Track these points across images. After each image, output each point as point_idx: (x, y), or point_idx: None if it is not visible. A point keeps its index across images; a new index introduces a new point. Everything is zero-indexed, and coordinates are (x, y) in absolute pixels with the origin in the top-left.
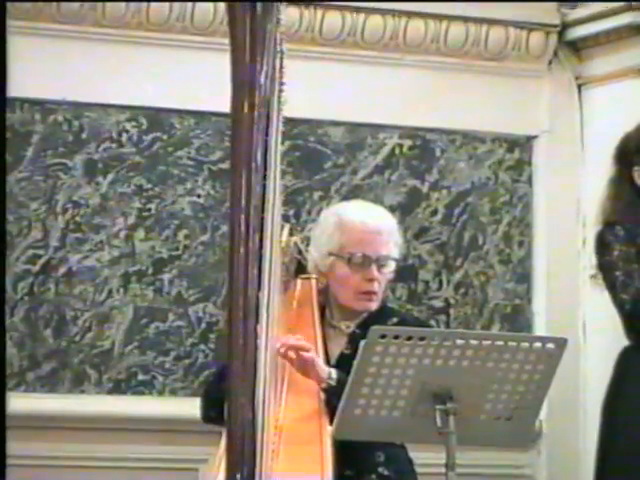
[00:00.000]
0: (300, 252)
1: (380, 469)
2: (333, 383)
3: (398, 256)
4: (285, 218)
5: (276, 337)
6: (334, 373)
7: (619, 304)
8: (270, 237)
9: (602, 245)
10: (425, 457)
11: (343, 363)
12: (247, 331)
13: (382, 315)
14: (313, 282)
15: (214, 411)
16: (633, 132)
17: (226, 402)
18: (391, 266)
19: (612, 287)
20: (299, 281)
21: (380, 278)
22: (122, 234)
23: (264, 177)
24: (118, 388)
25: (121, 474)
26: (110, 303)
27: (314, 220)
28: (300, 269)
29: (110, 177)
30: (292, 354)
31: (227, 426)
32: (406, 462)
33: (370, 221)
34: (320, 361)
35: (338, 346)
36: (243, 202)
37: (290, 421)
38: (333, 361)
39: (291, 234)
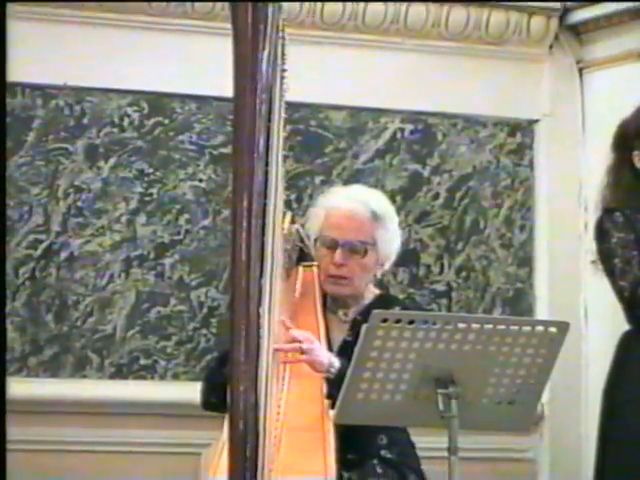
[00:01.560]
0: (302, 240)
1: (383, 452)
2: (333, 373)
3: (390, 247)
4: (287, 203)
5: (278, 322)
6: (336, 363)
7: (618, 291)
8: (272, 222)
9: (601, 232)
10: (427, 441)
11: (346, 350)
12: (249, 315)
13: (384, 303)
14: (315, 270)
15: (215, 397)
16: (631, 117)
17: (228, 387)
18: (367, 253)
19: (611, 274)
20: (301, 269)
21: (352, 264)
22: (124, 219)
23: (266, 163)
24: (120, 373)
25: (123, 459)
26: (112, 288)
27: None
28: (302, 257)
29: (112, 162)
30: (298, 355)
31: (229, 411)
32: (408, 445)
33: (344, 205)
34: (323, 349)
35: (340, 333)
36: (245, 187)
37: (292, 406)
38: (336, 348)
39: (293, 222)
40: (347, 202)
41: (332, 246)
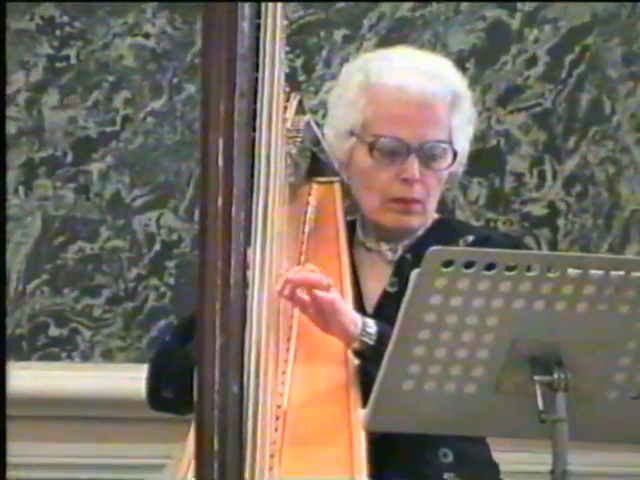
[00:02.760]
0: (317, 140)
1: (447, 476)
2: (370, 341)
3: (465, 141)
4: (290, 74)
5: (278, 269)
6: (372, 325)
7: None
8: (267, 109)
9: None
10: (517, 460)
11: (387, 307)
12: (229, 258)
13: (448, 232)
14: (336, 187)
15: (170, 388)
16: None
17: (194, 374)
18: (448, 158)
19: None
20: (314, 186)
21: (428, 178)
22: (22, 98)
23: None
24: (16, 351)
25: None
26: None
27: (335, 77)
28: (315, 168)
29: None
30: (302, 295)
31: (196, 413)
32: (488, 467)
33: (414, 83)
34: (348, 307)
35: (378, 280)
36: (222, 45)
37: (300, 403)
38: (371, 305)
39: (302, 110)
40: (416, 78)
41: (397, 152)
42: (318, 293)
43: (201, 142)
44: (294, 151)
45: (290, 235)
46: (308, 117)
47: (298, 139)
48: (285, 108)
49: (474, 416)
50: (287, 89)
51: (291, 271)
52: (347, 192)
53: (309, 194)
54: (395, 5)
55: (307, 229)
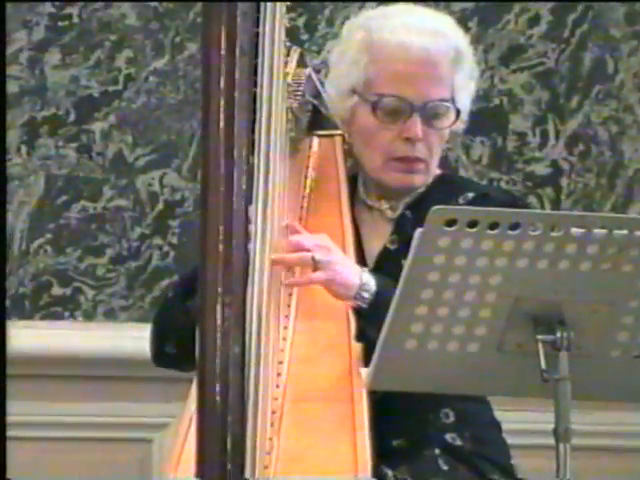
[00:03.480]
0: (318, 94)
1: (448, 437)
2: (369, 298)
3: (467, 97)
4: (290, 32)
5: (280, 227)
6: (372, 282)
7: None
8: (269, 64)
9: None
10: (519, 419)
11: (387, 264)
12: (231, 215)
13: (448, 189)
14: (337, 141)
15: (173, 345)
16: None
17: (196, 331)
18: (450, 116)
19: None
20: (315, 140)
21: (431, 137)
22: (24, 56)
23: None
24: (19, 310)
25: (30, 445)
26: (8, 169)
27: (337, 37)
28: (316, 121)
29: None
30: (309, 272)
31: (198, 371)
32: (490, 426)
33: (416, 41)
34: (348, 262)
35: (379, 237)
36: (224, 3)
37: (302, 361)
38: (371, 261)
39: (303, 63)
40: (418, 35)
41: (400, 111)
42: (309, 276)
43: (203, 100)
44: (295, 105)
45: (291, 189)
46: (309, 70)
47: (299, 93)
48: (286, 63)
49: (477, 375)
50: (288, 43)
51: (300, 235)
52: (349, 152)
53: (310, 147)
54: None
55: (308, 183)
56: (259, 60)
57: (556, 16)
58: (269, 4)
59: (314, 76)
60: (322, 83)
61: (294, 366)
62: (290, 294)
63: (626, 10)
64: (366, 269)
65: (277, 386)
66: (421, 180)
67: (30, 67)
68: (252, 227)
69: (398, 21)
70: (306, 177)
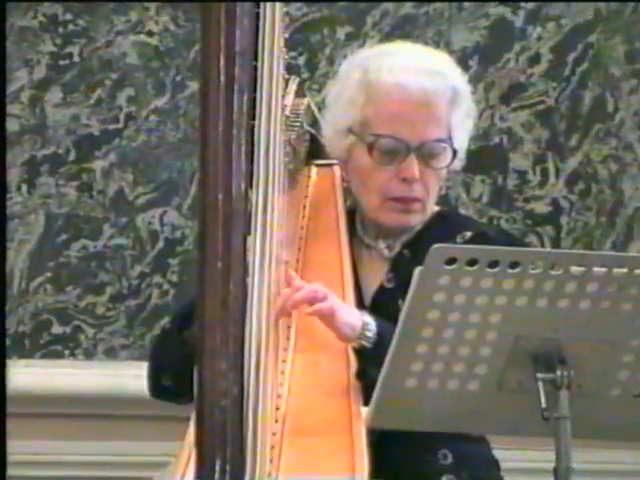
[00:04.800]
0: (316, 122)
1: (446, 478)
2: (370, 340)
3: (465, 135)
4: (292, 69)
5: (279, 256)
6: (372, 324)
7: None
8: (267, 99)
9: None
10: (519, 459)
11: (384, 302)
12: (230, 250)
13: (446, 228)
14: (336, 171)
15: (169, 377)
16: None
17: (195, 363)
18: (447, 156)
19: None
20: (314, 169)
21: (428, 177)
22: (26, 95)
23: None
24: (19, 348)
25: None
26: (8, 208)
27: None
28: (315, 151)
29: (8, 4)
30: (306, 309)
31: (197, 403)
32: (488, 465)
33: (413, 81)
34: (345, 308)
35: (376, 275)
36: (222, 41)
37: (300, 393)
38: (368, 299)
39: (301, 93)
40: (416, 75)
41: (397, 151)
42: (320, 306)
43: (201, 139)
44: (293, 136)
45: (290, 220)
46: (307, 101)
47: (297, 124)
48: (283, 96)
49: (477, 414)
50: (286, 75)
51: (283, 292)
52: (347, 189)
53: (309, 177)
54: (398, 3)
55: (307, 214)
56: (257, 95)
57: (556, 55)
58: (267, 40)
59: (313, 106)
60: (320, 109)
61: (293, 401)
62: (289, 327)
63: (626, 49)
64: (364, 312)
65: (276, 421)
66: (418, 220)
67: (31, 106)
68: (250, 260)
69: (395, 61)
70: (304, 207)
